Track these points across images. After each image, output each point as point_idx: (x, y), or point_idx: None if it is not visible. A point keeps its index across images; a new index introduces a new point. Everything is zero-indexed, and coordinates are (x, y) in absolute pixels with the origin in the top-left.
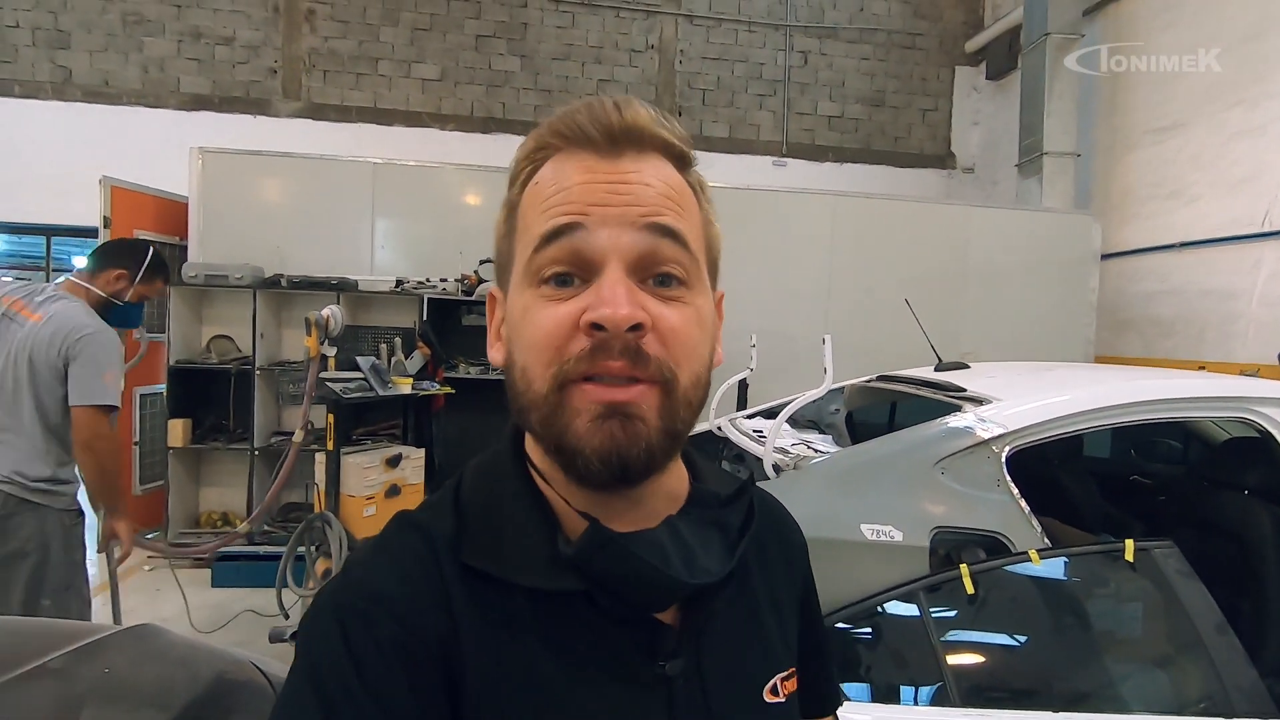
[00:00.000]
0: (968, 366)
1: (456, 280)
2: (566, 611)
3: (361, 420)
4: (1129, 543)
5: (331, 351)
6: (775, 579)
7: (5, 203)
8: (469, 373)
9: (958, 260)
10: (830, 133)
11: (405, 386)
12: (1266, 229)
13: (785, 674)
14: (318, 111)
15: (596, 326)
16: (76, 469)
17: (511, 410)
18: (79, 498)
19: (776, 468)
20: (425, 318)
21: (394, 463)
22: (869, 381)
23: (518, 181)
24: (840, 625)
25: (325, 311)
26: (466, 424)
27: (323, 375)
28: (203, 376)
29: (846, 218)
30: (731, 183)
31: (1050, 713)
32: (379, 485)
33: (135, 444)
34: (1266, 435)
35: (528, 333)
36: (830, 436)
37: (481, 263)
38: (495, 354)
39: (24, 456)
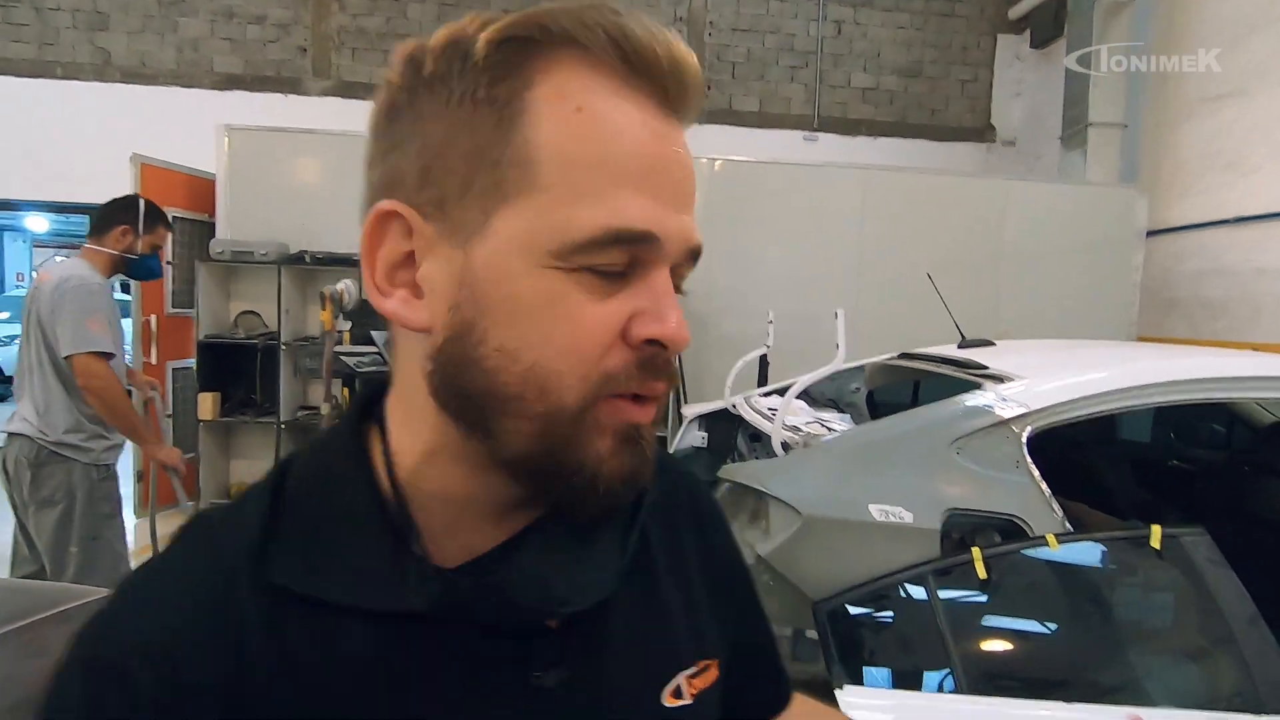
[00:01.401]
0: (993, 344)
1: None
2: (414, 631)
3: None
4: (1155, 528)
5: (346, 326)
6: (683, 558)
7: (51, 183)
8: None
9: (994, 237)
10: (864, 106)
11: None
12: None
13: (693, 671)
14: (348, 90)
15: (652, 341)
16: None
17: (470, 404)
18: (108, 455)
19: (785, 445)
20: None
21: None
22: (890, 359)
23: (516, 73)
24: (846, 607)
25: (340, 285)
26: None
27: (337, 349)
28: (231, 351)
29: (878, 193)
30: (757, 156)
31: (1063, 703)
32: None
33: (169, 416)
34: None
35: (561, 330)
36: (850, 416)
37: None
38: (399, 306)
39: (48, 410)
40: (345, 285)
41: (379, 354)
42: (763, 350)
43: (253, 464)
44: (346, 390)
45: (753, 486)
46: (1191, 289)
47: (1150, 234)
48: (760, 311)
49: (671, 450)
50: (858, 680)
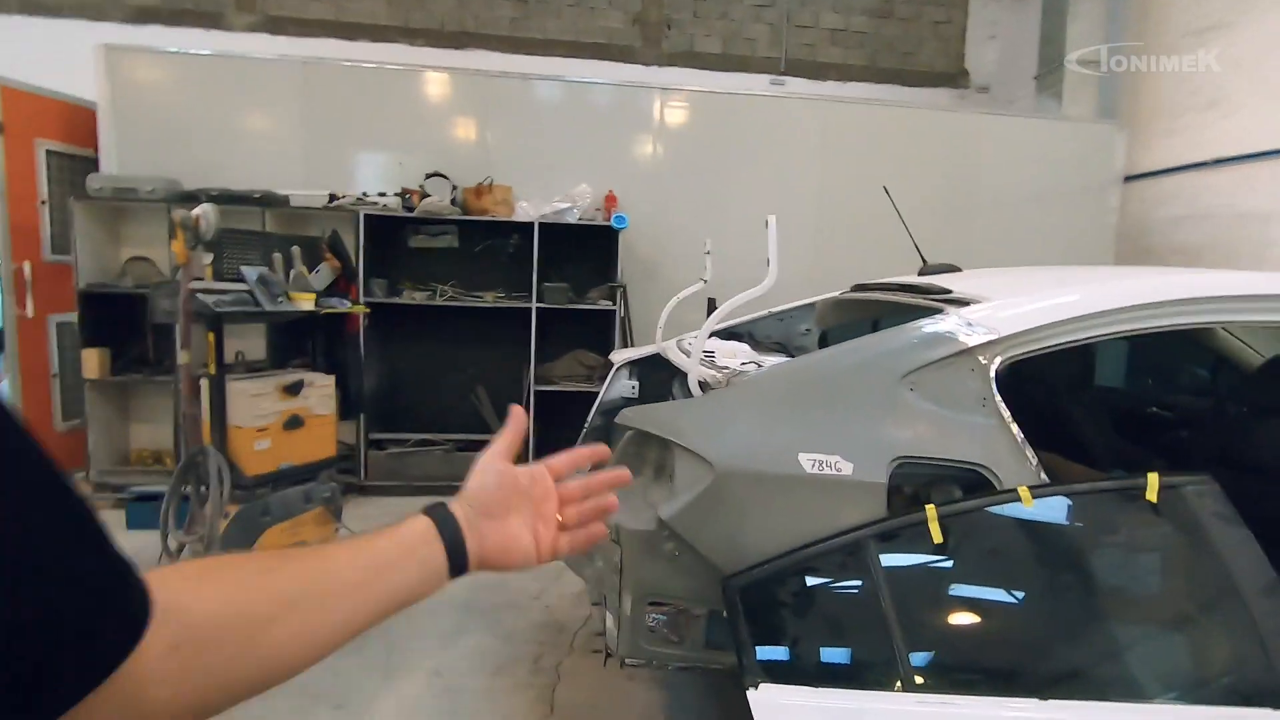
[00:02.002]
0: (958, 269)
1: (398, 195)
2: None
3: (300, 349)
4: (1152, 477)
5: (207, 259)
6: None
7: None
8: (414, 299)
9: (968, 178)
10: (833, 48)
11: (306, 303)
12: None
13: None
14: (276, 25)
15: None
16: None
17: None
18: None
19: (703, 384)
20: (364, 237)
21: (293, 390)
22: (843, 294)
23: None
24: (764, 584)
25: (196, 211)
26: (406, 354)
27: (196, 286)
28: (120, 302)
29: (840, 129)
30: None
31: (1036, 700)
32: (274, 416)
33: (54, 376)
34: None
35: None
36: None
37: (428, 176)
38: None
39: None
40: (202, 210)
41: (248, 293)
42: (698, 285)
43: (155, 429)
44: (212, 336)
45: (657, 433)
46: (1167, 236)
47: (1127, 179)
48: (719, 256)
49: (598, 403)
50: (779, 676)
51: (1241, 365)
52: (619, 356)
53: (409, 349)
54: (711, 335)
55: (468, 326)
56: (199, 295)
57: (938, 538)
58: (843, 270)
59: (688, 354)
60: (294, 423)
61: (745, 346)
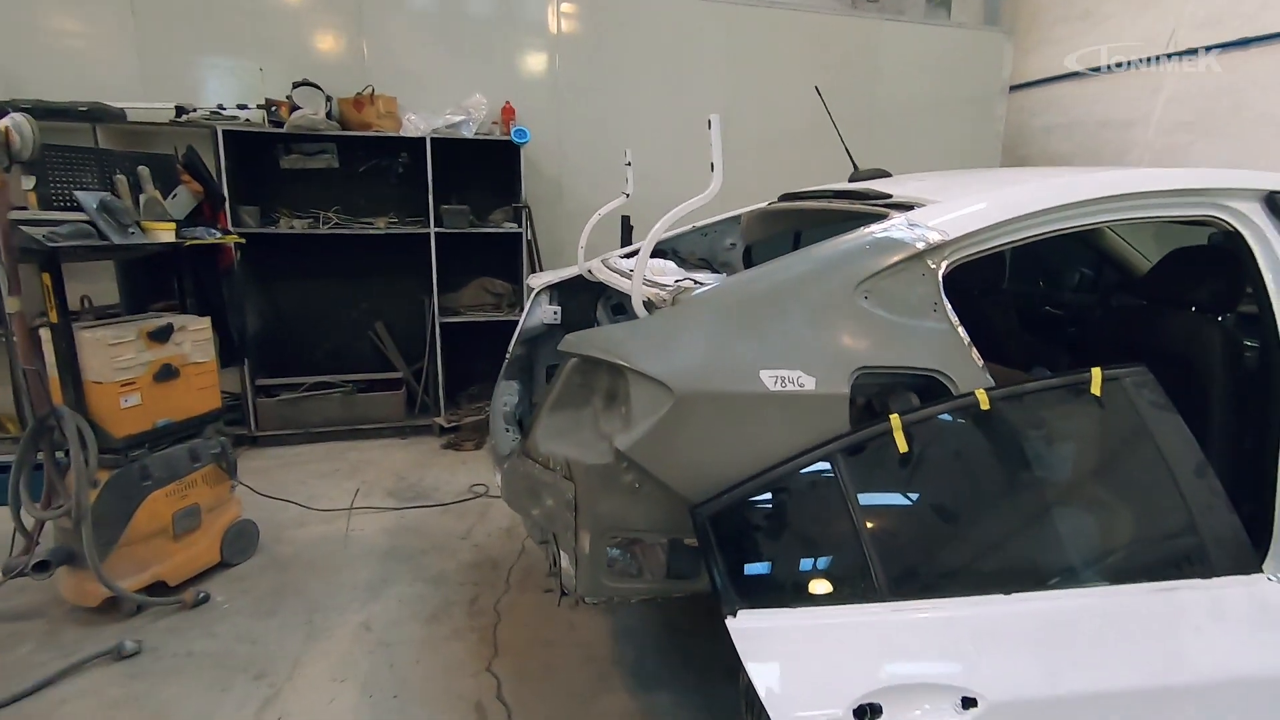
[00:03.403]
0: (889, 174)
1: (262, 108)
2: None
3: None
4: (1095, 372)
5: (28, 183)
6: None
7: None
8: (292, 227)
9: (866, 88)
10: None
11: (164, 233)
12: (1173, 49)
13: None
14: None
15: None
16: None
17: None
18: None
19: (648, 304)
20: (225, 157)
21: (161, 336)
22: (770, 205)
23: None
24: (735, 509)
25: (4, 123)
26: (290, 291)
27: (18, 217)
28: None
29: (744, 34)
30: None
31: (1001, 595)
32: (140, 367)
33: None
34: (1234, 235)
35: None
36: (724, 276)
37: (296, 86)
38: None
39: None
40: (12, 122)
41: (88, 224)
42: (621, 199)
43: None
44: (48, 276)
45: (606, 359)
46: (1042, 145)
47: (1012, 89)
48: (622, 169)
49: (519, 331)
50: (756, 601)
51: (1124, 262)
52: (538, 280)
53: (293, 284)
54: (633, 254)
55: (360, 256)
56: (22, 227)
57: (903, 447)
58: (752, 183)
59: (620, 273)
60: (167, 373)
61: (672, 264)
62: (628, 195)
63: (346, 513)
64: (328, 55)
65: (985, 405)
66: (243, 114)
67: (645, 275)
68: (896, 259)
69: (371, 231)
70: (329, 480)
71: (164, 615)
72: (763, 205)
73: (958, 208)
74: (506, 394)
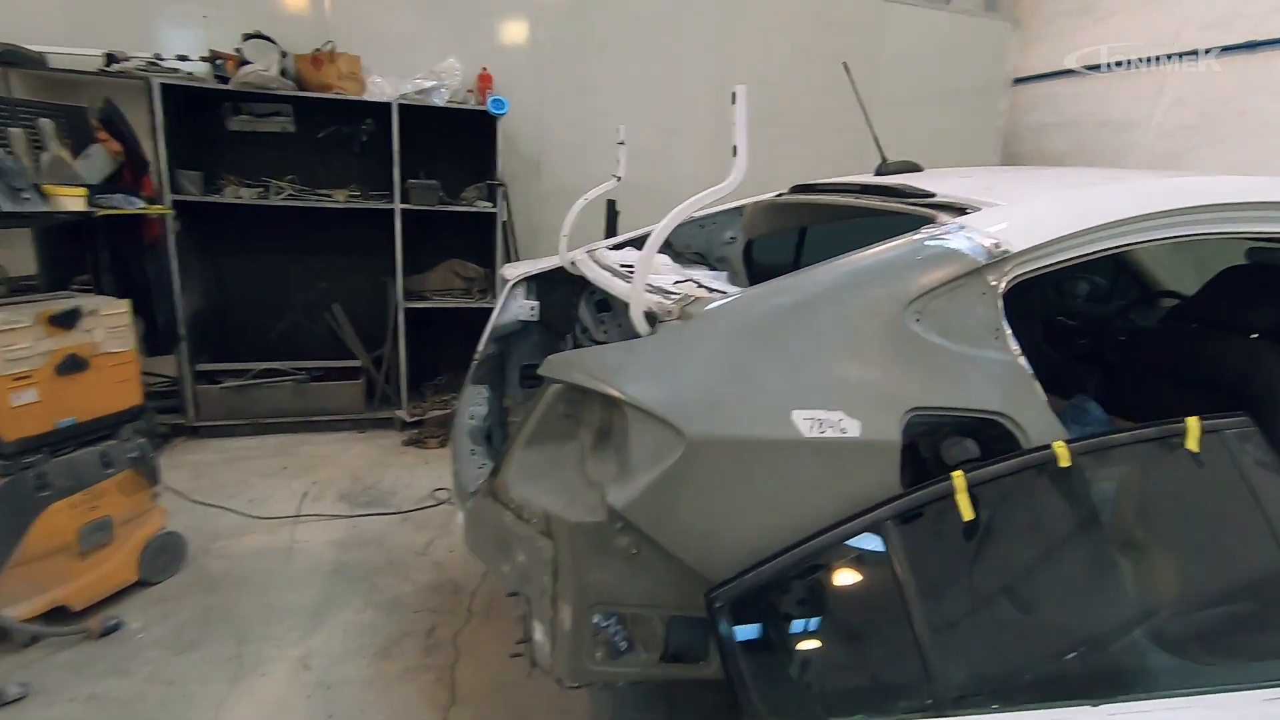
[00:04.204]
0: (919, 168)
1: (206, 60)
2: None
3: (74, 266)
4: (1191, 423)
5: None
6: None
7: None
8: (239, 197)
9: (868, 74)
10: None
11: (71, 200)
12: (1177, 49)
13: None
14: None
15: None
16: None
17: None
18: None
19: (651, 316)
20: (164, 113)
21: (65, 321)
22: (779, 196)
23: None
24: (761, 592)
25: None
26: (239, 268)
27: None
28: None
29: (744, 10)
30: None
31: (1087, 705)
32: (40, 358)
33: None
34: None
35: None
36: (724, 274)
37: (246, 38)
38: None
39: None
40: None
41: None
42: (612, 182)
43: None
44: None
45: (597, 390)
46: (1034, 143)
47: (1016, 81)
48: (609, 157)
49: (490, 328)
50: (788, 713)
51: (1142, 272)
52: (513, 271)
53: (243, 260)
54: (623, 245)
55: (318, 232)
56: None
57: (968, 514)
58: (749, 170)
59: (611, 271)
60: (72, 365)
61: (666, 258)
62: (619, 179)
63: (291, 521)
64: (284, 5)
65: (1065, 462)
66: (184, 67)
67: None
68: (954, 274)
69: (329, 205)
70: (276, 480)
71: (65, 647)
72: (770, 196)
73: (1025, 213)
74: (474, 403)
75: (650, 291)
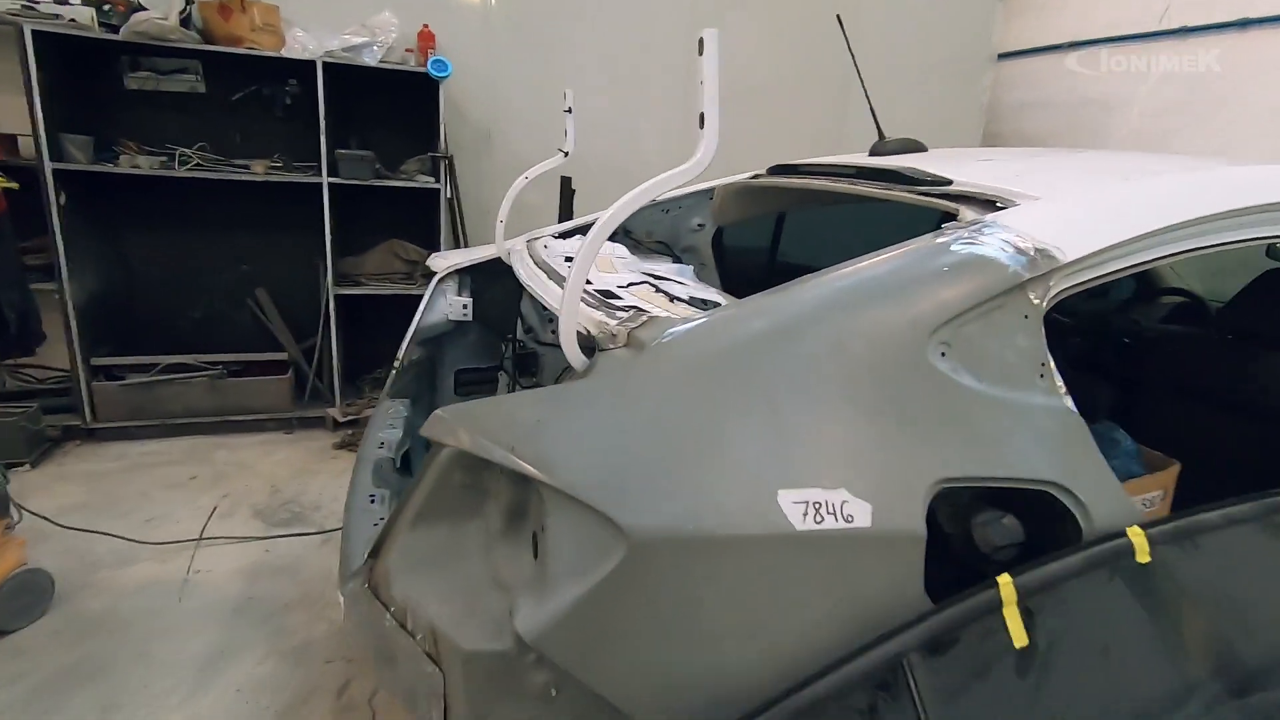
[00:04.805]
0: (924, 147)
1: (90, 3)
2: None
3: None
4: None
5: None
6: None
7: None
8: (137, 166)
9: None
10: None
11: None
12: (1164, 27)
13: None
14: None
15: None
16: None
17: None
18: None
19: (589, 344)
20: (38, 67)
21: None
22: (754, 178)
23: None
24: None
25: None
26: (143, 248)
27: None
28: None
29: None
30: None
31: None
32: None
33: None
34: None
35: None
36: (689, 268)
37: None
38: None
39: None
40: None
41: None
42: (558, 157)
43: None
44: None
45: (505, 465)
46: (1013, 122)
47: (1000, 57)
48: (559, 118)
49: (414, 329)
50: None
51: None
52: (442, 263)
53: (149, 237)
54: (573, 232)
55: (238, 207)
56: None
57: (1020, 637)
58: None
59: (549, 272)
60: None
61: (622, 248)
62: (565, 153)
63: (191, 546)
64: None
65: (1144, 557)
66: (64, 11)
67: (586, 278)
68: (990, 291)
69: (245, 177)
70: (181, 493)
71: None
72: (743, 178)
73: (1078, 210)
74: (387, 425)
75: (591, 302)
